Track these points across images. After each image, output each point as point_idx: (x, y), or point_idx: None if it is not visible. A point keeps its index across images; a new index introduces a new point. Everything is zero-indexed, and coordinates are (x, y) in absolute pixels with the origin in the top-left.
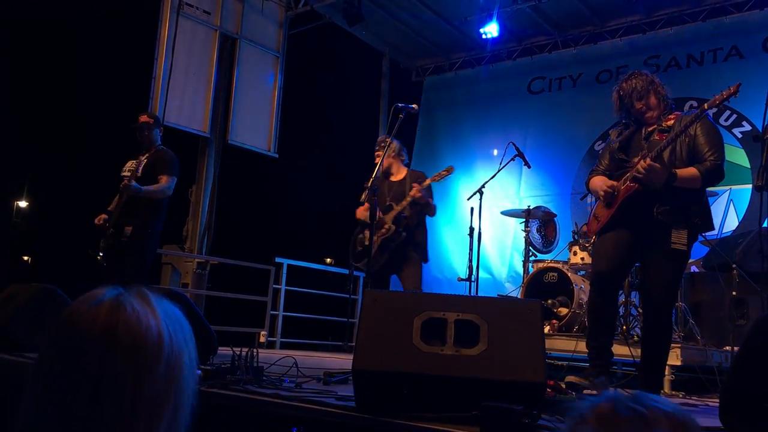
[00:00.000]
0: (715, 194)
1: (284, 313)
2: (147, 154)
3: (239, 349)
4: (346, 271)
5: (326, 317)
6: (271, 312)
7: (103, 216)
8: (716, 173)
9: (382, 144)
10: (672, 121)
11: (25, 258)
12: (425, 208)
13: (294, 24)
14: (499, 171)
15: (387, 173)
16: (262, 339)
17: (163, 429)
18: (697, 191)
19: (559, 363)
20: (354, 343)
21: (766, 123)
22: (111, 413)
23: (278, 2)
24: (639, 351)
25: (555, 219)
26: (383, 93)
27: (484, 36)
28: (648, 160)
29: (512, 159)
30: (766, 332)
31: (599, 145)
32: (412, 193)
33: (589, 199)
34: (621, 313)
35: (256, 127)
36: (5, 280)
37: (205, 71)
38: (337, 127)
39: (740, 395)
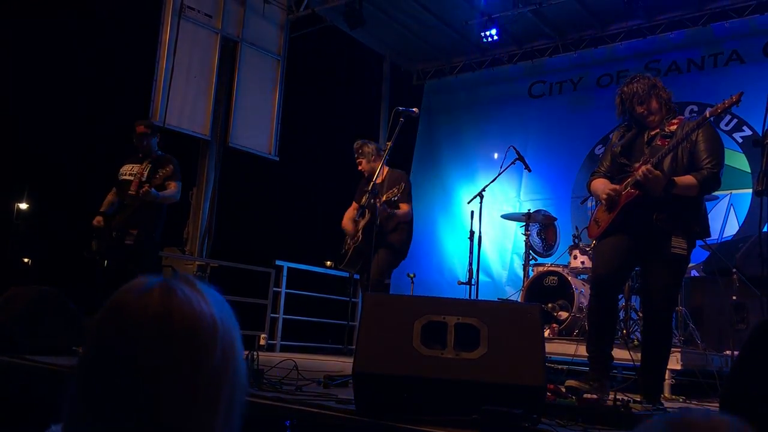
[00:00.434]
0: (716, 198)
1: (284, 316)
2: (149, 161)
3: None
4: (347, 274)
5: (326, 320)
6: (272, 315)
7: (100, 218)
8: (713, 182)
9: (360, 151)
10: (675, 126)
11: (26, 260)
12: (389, 219)
13: (295, 27)
14: (499, 174)
15: (370, 178)
16: (263, 342)
17: (222, 411)
18: (696, 199)
19: (559, 367)
20: (354, 347)
21: (766, 128)
22: (171, 400)
23: (279, 5)
24: (639, 355)
25: (555, 223)
26: (384, 96)
27: (484, 40)
28: (648, 166)
29: (512, 163)
30: (766, 336)
31: (599, 149)
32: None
33: (589, 203)
34: (621, 318)
35: (256, 130)
36: (6, 282)
37: (206, 74)
38: (337, 130)
39: (740, 399)
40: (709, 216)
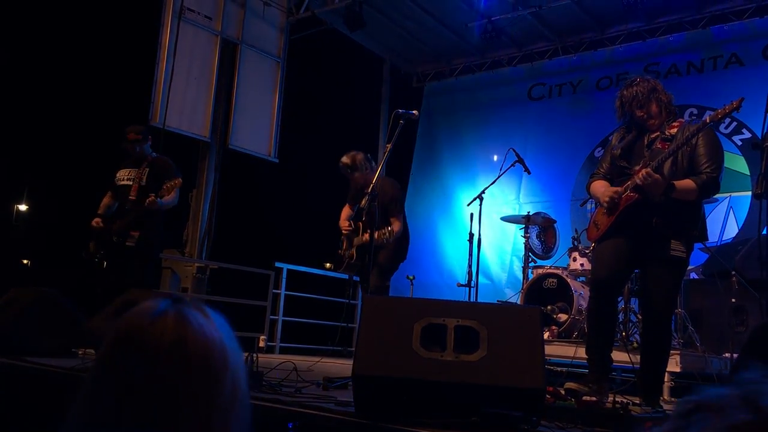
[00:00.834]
0: (715, 201)
1: (284, 318)
2: (145, 164)
3: None
4: (346, 276)
5: (326, 322)
6: (271, 317)
7: (98, 219)
8: (712, 186)
9: (354, 166)
10: (675, 129)
11: (25, 262)
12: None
13: (295, 29)
14: (499, 177)
15: (362, 190)
16: (262, 344)
17: None
18: (695, 203)
19: (559, 369)
20: (354, 349)
21: (765, 131)
22: (188, 426)
23: (280, 8)
24: (638, 357)
25: (555, 225)
26: (384, 98)
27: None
28: (648, 169)
29: (512, 165)
30: (765, 339)
31: (599, 151)
32: (364, 237)
33: (589, 206)
34: (620, 320)
35: (256, 132)
36: (5, 283)
37: (206, 76)
38: (337, 132)
39: None
40: (708, 218)
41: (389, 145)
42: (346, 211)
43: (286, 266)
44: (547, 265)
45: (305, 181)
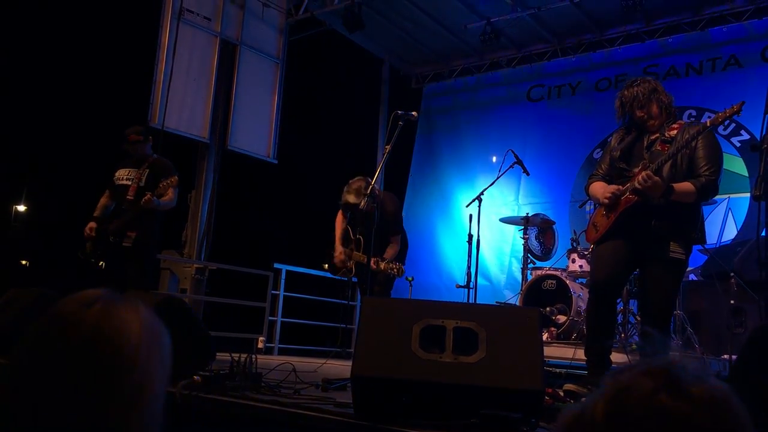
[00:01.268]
0: (714, 202)
1: (282, 319)
2: (145, 165)
3: (237, 355)
4: (345, 277)
5: (325, 323)
6: (270, 318)
7: (93, 225)
8: (711, 189)
9: (365, 191)
10: (675, 131)
11: (24, 262)
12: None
13: (294, 30)
14: (498, 178)
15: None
16: (261, 345)
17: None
18: (695, 205)
19: (558, 371)
20: (353, 350)
21: (764, 133)
22: (80, 414)
23: (279, 9)
24: (637, 359)
25: (553, 226)
26: (383, 100)
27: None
28: (648, 172)
29: (511, 166)
30: (764, 340)
31: (598, 152)
32: (372, 265)
33: (587, 207)
34: (619, 321)
35: (255, 133)
36: (4, 284)
37: (205, 77)
38: (336, 134)
39: None
40: (707, 220)
41: (388, 146)
42: (340, 219)
43: (284, 267)
44: (546, 267)
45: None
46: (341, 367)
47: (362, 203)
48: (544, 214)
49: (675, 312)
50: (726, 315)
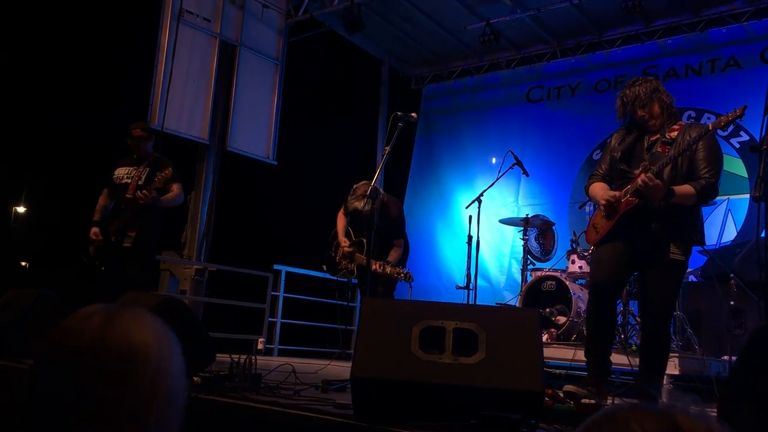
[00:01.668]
0: (714, 204)
1: (282, 320)
2: (145, 163)
3: (237, 356)
4: (345, 279)
5: (324, 324)
6: (270, 319)
7: (96, 230)
8: (711, 191)
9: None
10: (676, 132)
11: (23, 263)
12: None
13: (294, 32)
14: (497, 179)
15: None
16: (260, 346)
17: None
18: (695, 207)
19: (557, 372)
20: (353, 351)
21: (763, 134)
22: (98, 424)
23: (278, 10)
24: (637, 360)
25: (553, 227)
26: (382, 101)
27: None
28: (649, 174)
29: (511, 167)
30: (764, 341)
31: (597, 153)
32: (374, 267)
33: (587, 208)
34: (619, 323)
35: (255, 134)
36: (3, 285)
37: (204, 78)
38: (336, 135)
39: (738, 405)
40: (706, 221)
41: (388, 148)
42: (341, 219)
43: (284, 268)
44: (546, 268)
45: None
46: (341, 369)
47: (362, 204)
48: (543, 216)
49: (675, 313)
50: (726, 316)
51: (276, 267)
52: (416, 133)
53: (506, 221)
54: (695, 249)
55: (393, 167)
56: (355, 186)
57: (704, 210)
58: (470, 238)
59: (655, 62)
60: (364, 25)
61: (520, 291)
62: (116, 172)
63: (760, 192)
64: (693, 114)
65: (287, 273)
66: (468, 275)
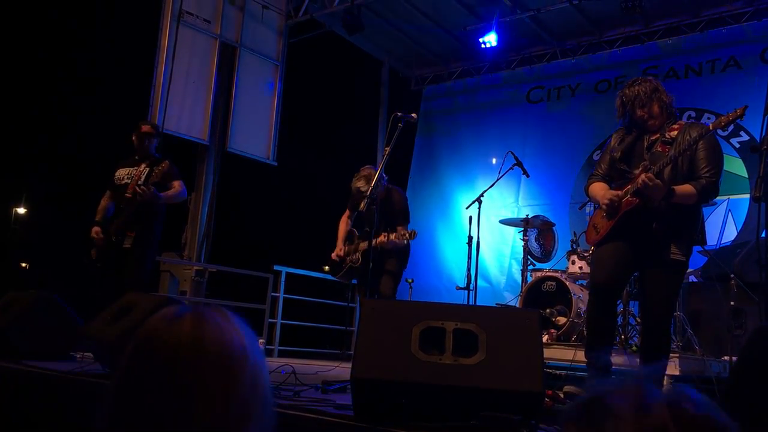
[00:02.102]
0: (714, 204)
1: (282, 321)
2: (146, 163)
3: None
4: (344, 280)
5: (324, 325)
6: (270, 320)
7: (98, 229)
8: (711, 190)
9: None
10: (675, 132)
11: (23, 265)
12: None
13: (294, 32)
14: (497, 180)
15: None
16: (260, 347)
17: None
18: (695, 207)
19: (558, 372)
20: (352, 352)
21: (763, 134)
22: (202, 423)
23: (278, 11)
24: (637, 360)
25: (553, 228)
26: (382, 101)
27: (483, 45)
28: (649, 174)
29: (511, 168)
30: (764, 342)
31: (597, 154)
32: (379, 240)
33: (587, 209)
34: (619, 323)
35: (255, 135)
36: (3, 286)
37: (204, 79)
38: (336, 135)
39: (738, 405)
40: (707, 221)
41: (388, 148)
42: (345, 219)
43: (284, 269)
44: (546, 268)
45: (304, 184)
46: (341, 369)
47: (362, 205)
48: (543, 216)
49: (675, 313)
50: (726, 316)
51: (276, 268)
52: (416, 133)
53: (506, 222)
54: (696, 249)
55: (393, 168)
56: (360, 169)
57: (705, 210)
58: (470, 238)
59: (655, 62)
60: (364, 26)
61: (521, 291)
62: (117, 173)
63: (760, 192)
64: (693, 114)
65: (287, 274)
66: (468, 276)
